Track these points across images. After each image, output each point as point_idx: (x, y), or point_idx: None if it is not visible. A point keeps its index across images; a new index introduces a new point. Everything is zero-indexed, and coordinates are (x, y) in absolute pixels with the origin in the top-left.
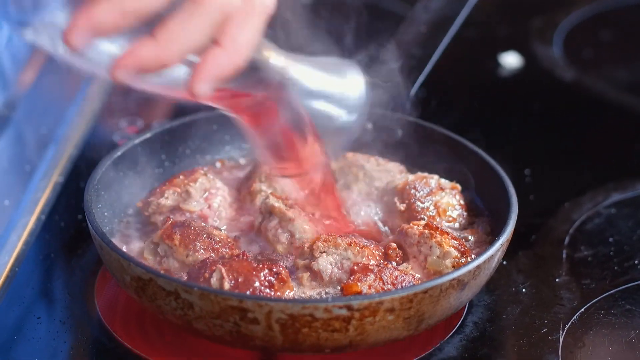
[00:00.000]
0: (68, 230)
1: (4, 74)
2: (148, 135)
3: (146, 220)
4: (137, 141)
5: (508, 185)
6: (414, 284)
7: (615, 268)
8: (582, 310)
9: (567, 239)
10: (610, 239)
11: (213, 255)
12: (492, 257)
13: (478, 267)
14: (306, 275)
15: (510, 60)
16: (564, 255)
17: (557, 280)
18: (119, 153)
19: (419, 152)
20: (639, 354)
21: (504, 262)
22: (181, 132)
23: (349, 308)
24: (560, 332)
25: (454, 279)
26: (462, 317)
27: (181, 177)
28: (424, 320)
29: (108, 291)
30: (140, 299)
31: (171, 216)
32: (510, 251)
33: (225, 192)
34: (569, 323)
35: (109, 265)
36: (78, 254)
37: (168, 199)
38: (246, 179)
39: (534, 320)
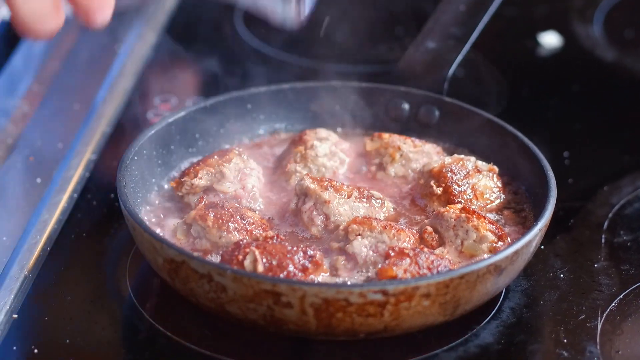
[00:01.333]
0: (100, 209)
1: (35, 51)
2: (182, 113)
3: (179, 200)
4: (170, 119)
5: (547, 169)
6: (450, 269)
7: None
8: (621, 296)
9: (606, 224)
10: None
11: (247, 237)
12: (530, 242)
13: (516, 252)
14: (341, 258)
15: (550, 39)
16: (603, 240)
17: (595, 265)
18: (152, 132)
19: (456, 134)
20: None
21: (542, 247)
22: (215, 110)
23: (384, 293)
24: (599, 318)
25: (490, 265)
26: (499, 302)
27: (215, 157)
28: (460, 306)
29: (140, 272)
30: (173, 282)
31: (205, 197)
32: (548, 235)
33: (259, 172)
34: (608, 310)
35: (141, 246)
36: (110, 233)
37: (202, 179)
38: (281, 159)
39: (571, 307)
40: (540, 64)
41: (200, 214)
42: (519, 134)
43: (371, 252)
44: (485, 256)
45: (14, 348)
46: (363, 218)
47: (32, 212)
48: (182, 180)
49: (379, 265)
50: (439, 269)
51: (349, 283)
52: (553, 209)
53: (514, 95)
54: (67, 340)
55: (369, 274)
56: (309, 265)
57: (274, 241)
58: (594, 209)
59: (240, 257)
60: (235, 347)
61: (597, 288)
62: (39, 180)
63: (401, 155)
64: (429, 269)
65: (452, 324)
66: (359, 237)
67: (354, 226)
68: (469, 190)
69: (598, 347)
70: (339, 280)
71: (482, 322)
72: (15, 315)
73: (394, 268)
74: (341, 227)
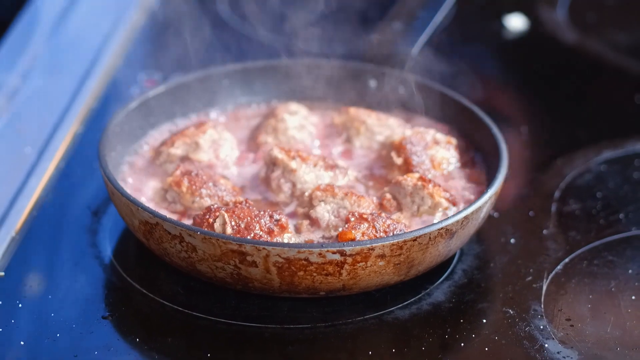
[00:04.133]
0: (85, 178)
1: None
2: (162, 89)
3: (157, 168)
4: (151, 94)
5: (500, 140)
6: (404, 232)
7: (601, 222)
8: (567, 260)
9: (557, 193)
10: (599, 194)
11: (217, 202)
12: (480, 208)
13: (466, 217)
14: (305, 222)
15: (516, 22)
16: (553, 209)
17: (544, 232)
18: (133, 105)
19: (420, 109)
20: (617, 302)
21: (495, 214)
22: (194, 86)
23: (342, 253)
24: (544, 280)
25: (442, 228)
26: (452, 265)
27: (191, 128)
28: (414, 267)
29: (120, 235)
30: (148, 242)
31: (181, 165)
32: (502, 203)
33: (233, 143)
34: (553, 272)
35: (119, 209)
36: (93, 200)
37: (178, 148)
38: (254, 131)
39: (520, 269)
40: (505, 46)
41: (176, 180)
42: (477, 109)
43: (333, 217)
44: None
45: (0, 302)
46: (327, 185)
47: (21, 179)
48: (160, 149)
49: (340, 229)
50: (395, 232)
51: (309, 244)
52: (504, 178)
53: (477, 73)
54: (50, 296)
55: (331, 238)
56: (275, 228)
57: (243, 206)
58: (546, 179)
59: (211, 220)
60: (205, 303)
61: (544, 252)
62: (28, 149)
63: (366, 128)
64: (385, 232)
65: (407, 284)
66: (322, 202)
67: (318, 193)
68: (427, 161)
69: (542, 305)
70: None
71: (435, 282)
72: (1, 273)
73: (353, 231)
74: (306, 194)
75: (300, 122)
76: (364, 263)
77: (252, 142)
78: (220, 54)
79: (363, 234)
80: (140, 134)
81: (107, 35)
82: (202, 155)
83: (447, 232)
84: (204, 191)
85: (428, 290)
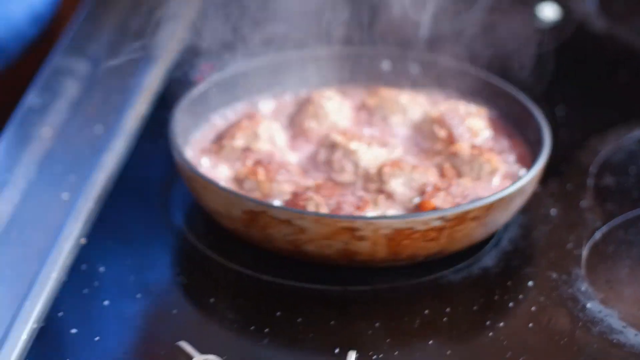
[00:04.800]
0: (153, 154)
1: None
2: (223, 75)
3: (218, 160)
4: (212, 80)
5: (541, 120)
6: (490, 195)
7: (635, 194)
8: (604, 229)
9: (592, 169)
10: (631, 169)
11: (294, 186)
12: (541, 169)
13: (533, 178)
14: (380, 196)
15: (548, 11)
16: (589, 183)
17: (582, 204)
18: (196, 92)
19: (448, 88)
20: None
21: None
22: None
23: (443, 219)
24: (584, 247)
25: (519, 189)
26: (498, 234)
27: (244, 121)
28: (494, 226)
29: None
30: (247, 229)
31: (246, 155)
32: (541, 178)
33: (281, 131)
34: (592, 240)
35: (210, 202)
36: (163, 175)
37: (240, 140)
38: (294, 119)
39: (561, 238)
40: (538, 34)
41: (251, 170)
42: (514, 91)
43: (407, 190)
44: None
45: (83, 267)
46: (393, 161)
47: (95, 160)
48: (222, 143)
49: (415, 200)
50: (469, 197)
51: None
52: (550, 144)
53: (508, 60)
54: (129, 261)
55: (410, 209)
56: (360, 204)
57: (325, 187)
58: (582, 156)
59: (302, 203)
60: (272, 268)
61: (583, 222)
62: (99, 127)
63: (400, 107)
64: (462, 197)
65: (458, 252)
66: (393, 177)
67: (387, 168)
68: (466, 132)
69: (583, 270)
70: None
71: (483, 249)
72: (83, 239)
73: (433, 200)
74: (374, 172)
75: (337, 107)
76: (460, 226)
77: (297, 129)
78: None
79: (442, 201)
80: (199, 123)
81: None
82: (261, 145)
83: (521, 192)
84: (280, 177)
85: (477, 256)
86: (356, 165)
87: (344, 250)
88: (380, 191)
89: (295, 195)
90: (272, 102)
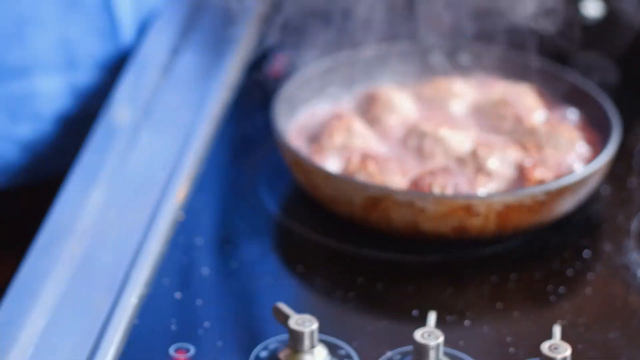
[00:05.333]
0: (244, 132)
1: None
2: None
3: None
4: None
5: (609, 110)
6: (583, 168)
7: None
8: None
9: (636, 150)
10: None
11: (404, 175)
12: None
13: (613, 149)
14: (480, 175)
15: (592, 9)
16: (634, 164)
17: (628, 183)
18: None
19: (505, 76)
20: None
21: None
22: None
23: (547, 193)
24: (632, 221)
25: (608, 161)
26: None
27: (334, 120)
28: (582, 196)
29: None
30: (367, 213)
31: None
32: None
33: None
34: (639, 214)
35: (326, 190)
36: (256, 156)
37: (338, 138)
38: (365, 113)
39: (612, 213)
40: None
41: (362, 165)
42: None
43: (505, 167)
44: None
45: (183, 239)
46: (483, 142)
47: (181, 142)
48: (322, 144)
49: (513, 176)
50: (562, 168)
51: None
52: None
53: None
54: (225, 234)
55: (508, 184)
56: (471, 184)
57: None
58: (626, 140)
59: (426, 187)
60: (356, 239)
61: (631, 199)
62: (184, 112)
63: (457, 94)
64: (557, 168)
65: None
66: (489, 157)
67: (480, 150)
68: (526, 109)
69: (632, 240)
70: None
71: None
72: (182, 214)
73: (535, 173)
74: (468, 154)
75: (403, 100)
76: (558, 198)
77: (377, 125)
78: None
79: (544, 174)
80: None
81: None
82: (356, 141)
83: (607, 166)
84: (389, 168)
85: (538, 230)
86: (446, 150)
87: (457, 226)
88: (479, 170)
89: (414, 184)
90: (349, 99)
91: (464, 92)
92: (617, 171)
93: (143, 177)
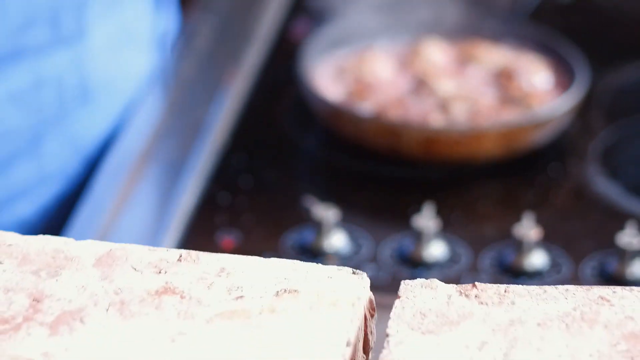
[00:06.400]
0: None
1: None
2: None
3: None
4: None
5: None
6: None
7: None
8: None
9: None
10: None
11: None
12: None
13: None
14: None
15: None
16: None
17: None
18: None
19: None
20: None
21: None
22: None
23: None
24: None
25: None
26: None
27: (359, 57)
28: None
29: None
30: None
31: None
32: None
33: (389, 66)
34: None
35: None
36: (284, 102)
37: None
38: (404, 59)
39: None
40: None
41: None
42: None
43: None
44: None
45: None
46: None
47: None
48: (341, 75)
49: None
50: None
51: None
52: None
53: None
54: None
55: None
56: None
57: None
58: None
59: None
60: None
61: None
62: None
63: (478, 58)
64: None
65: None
66: (457, 103)
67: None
68: (530, 81)
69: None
70: None
71: None
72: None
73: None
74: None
75: (437, 53)
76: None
77: (405, 68)
78: None
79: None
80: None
81: None
82: (368, 76)
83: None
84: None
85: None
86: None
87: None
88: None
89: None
90: (386, 44)
91: (483, 56)
92: (582, 107)
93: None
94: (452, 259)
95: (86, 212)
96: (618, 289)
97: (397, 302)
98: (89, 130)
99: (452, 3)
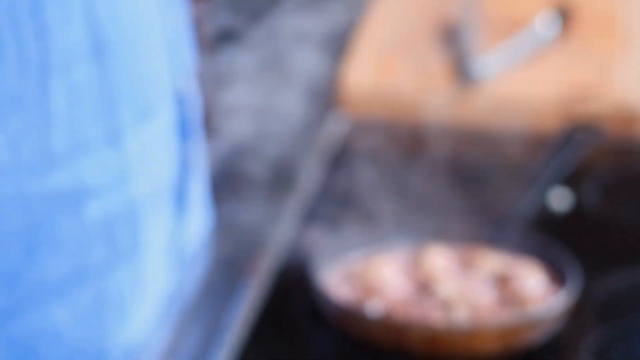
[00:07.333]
0: None
1: None
2: None
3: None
4: None
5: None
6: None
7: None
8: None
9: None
10: None
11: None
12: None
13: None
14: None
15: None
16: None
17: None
18: None
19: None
20: None
21: None
22: None
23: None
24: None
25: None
26: None
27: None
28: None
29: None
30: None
31: None
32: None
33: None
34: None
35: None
36: None
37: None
38: (411, 262)
39: None
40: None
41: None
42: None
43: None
44: None
45: None
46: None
47: None
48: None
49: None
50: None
51: None
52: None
53: None
54: None
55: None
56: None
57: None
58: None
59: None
60: None
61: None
62: None
63: (478, 263)
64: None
65: None
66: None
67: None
68: (527, 286)
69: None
70: None
71: None
72: None
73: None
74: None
75: (438, 260)
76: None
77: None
78: None
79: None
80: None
81: None
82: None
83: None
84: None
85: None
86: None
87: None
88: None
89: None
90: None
91: (483, 262)
92: (574, 309)
93: None
94: None
95: None
96: None
97: None
98: None
99: (455, 213)
